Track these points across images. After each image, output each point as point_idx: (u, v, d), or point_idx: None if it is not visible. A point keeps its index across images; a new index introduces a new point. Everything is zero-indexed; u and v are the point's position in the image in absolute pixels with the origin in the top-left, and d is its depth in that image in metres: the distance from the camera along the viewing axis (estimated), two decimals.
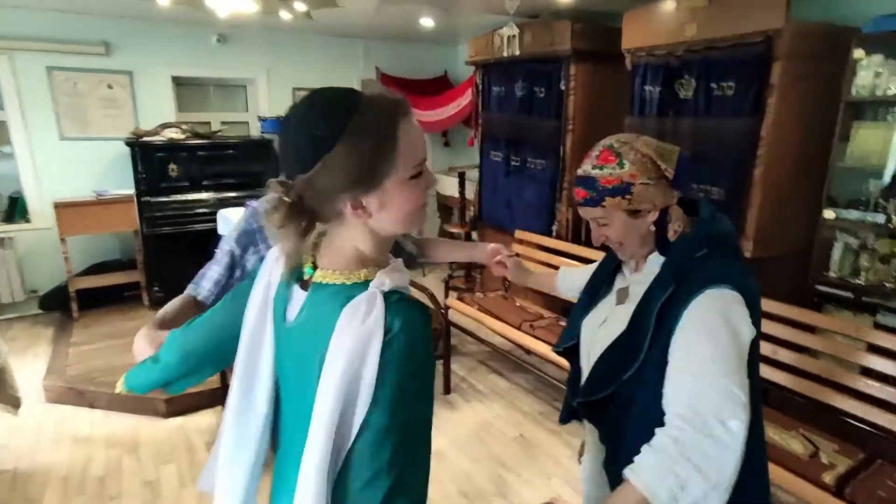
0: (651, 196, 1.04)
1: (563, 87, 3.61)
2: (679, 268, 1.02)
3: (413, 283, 3.77)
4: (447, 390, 3.39)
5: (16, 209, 4.43)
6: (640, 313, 1.05)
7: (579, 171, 1.11)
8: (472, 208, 4.97)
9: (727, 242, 1.08)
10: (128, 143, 4.20)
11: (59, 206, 3.99)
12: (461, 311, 3.61)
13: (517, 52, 3.88)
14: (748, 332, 0.96)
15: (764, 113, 2.47)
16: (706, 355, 0.91)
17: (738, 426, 0.84)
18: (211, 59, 4.83)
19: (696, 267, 1.01)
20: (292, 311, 0.83)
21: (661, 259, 1.09)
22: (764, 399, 2.39)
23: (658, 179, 1.03)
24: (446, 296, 3.94)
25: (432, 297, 3.40)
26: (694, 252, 1.03)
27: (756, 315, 1.01)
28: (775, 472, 1.88)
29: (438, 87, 5.70)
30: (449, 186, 5.61)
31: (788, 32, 2.34)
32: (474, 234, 5.02)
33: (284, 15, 3.63)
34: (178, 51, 4.66)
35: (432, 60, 5.89)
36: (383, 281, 0.77)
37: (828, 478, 1.84)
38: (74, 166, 4.43)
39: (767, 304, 2.49)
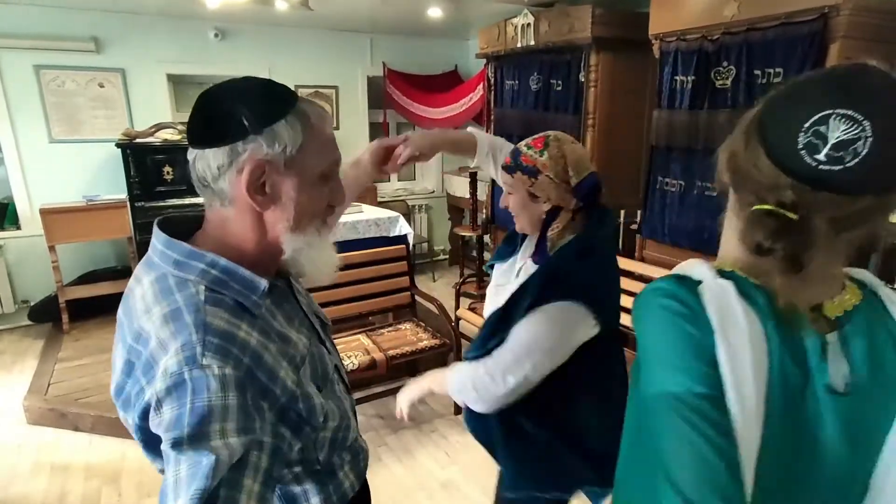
0: (549, 190, 1.19)
1: (582, 79, 3.33)
2: (548, 277, 1.17)
3: (421, 293, 3.42)
4: (458, 410, 3.11)
5: (5, 215, 4.23)
6: (513, 303, 1.21)
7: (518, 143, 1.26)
8: (484, 210, 4.68)
9: (599, 249, 1.21)
10: (119, 145, 3.97)
11: (46, 213, 3.76)
12: (473, 323, 3.34)
13: (532, 43, 3.60)
14: (582, 335, 1.17)
15: None
16: (525, 335, 1.17)
17: (512, 380, 1.16)
18: (209, 55, 4.60)
19: (563, 278, 1.16)
20: (832, 374, 0.67)
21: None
22: None
23: (562, 181, 1.18)
24: (457, 305, 3.67)
25: (441, 307, 3.14)
26: (565, 266, 1.17)
27: (609, 310, 1.22)
28: None
29: (449, 83, 5.43)
30: (459, 187, 5.34)
31: (849, 7, 2.03)
32: (487, 238, 4.74)
33: (280, 5, 3.38)
34: (173, 47, 4.42)
35: (442, 55, 5.62)
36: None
37: None
38: (66, 170, 4.21)
39: None
